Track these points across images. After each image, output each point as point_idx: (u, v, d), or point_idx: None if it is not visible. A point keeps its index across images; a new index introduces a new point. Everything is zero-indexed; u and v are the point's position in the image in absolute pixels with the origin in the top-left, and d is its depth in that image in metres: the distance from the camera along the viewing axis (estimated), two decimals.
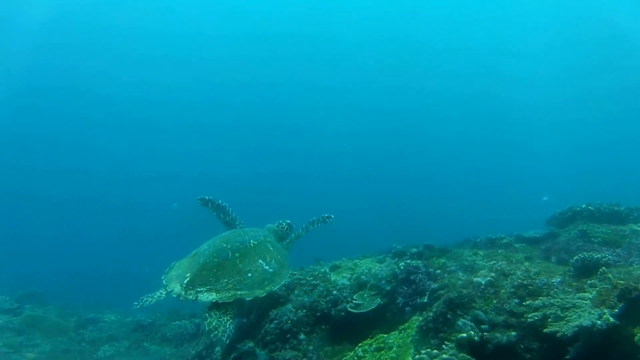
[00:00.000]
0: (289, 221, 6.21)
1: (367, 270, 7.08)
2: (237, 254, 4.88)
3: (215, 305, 4.57)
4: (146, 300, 4.83)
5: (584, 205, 8.24)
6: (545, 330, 3.83)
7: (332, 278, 7.27)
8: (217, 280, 4.63)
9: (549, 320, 3.87)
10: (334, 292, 6.78)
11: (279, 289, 5.36)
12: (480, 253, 6.71)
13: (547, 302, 4.08)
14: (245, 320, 7.03)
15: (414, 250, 7.71)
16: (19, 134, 36.40)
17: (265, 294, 4.80)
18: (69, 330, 11.55)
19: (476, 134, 38.27)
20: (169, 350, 9.38)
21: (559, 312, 3.84)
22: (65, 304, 14.30)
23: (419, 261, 6.90)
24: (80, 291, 18.05)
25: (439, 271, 6.34)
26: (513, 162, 37.34)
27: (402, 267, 6.37)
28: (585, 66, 36.16)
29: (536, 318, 3.92)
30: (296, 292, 7.12)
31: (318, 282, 7.31)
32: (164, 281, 4.92)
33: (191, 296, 4.56)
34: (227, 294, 4.57)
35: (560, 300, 3.99)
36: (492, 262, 5.97)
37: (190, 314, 11.51)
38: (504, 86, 38.22)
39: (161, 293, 4.83)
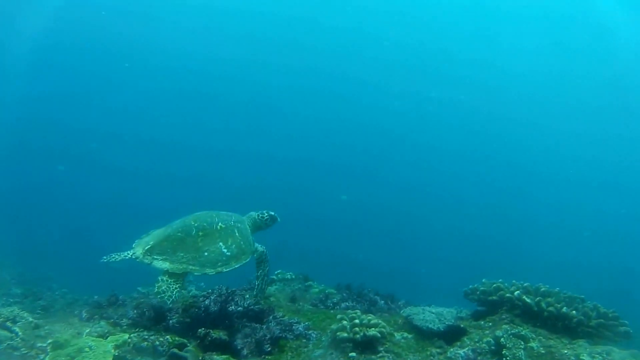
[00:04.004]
0: (272, 213, 6.17)
1: None
2: (200, 233, 5.37)
3: (168, 273, 5.06)
4: (113, 257, 5.30)
5: (517, 293, 5.47)
6: None
7: None
8: (174, 253, 5.17)
9: None
10: None
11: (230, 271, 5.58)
12: None
13: None
14: None
15: None
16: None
17: (214, 273, 5.26)
18: None
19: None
20: None
21: None
22: None
23: None
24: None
25: None
26: None
27: None
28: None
29: None
30: None
31: None
32: (133, 244, 5.41)
33: (147, 260, 5.12)
34: (179, 266, 5.10)
35: None
36: None
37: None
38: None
39: (128, 253, 5.30)
